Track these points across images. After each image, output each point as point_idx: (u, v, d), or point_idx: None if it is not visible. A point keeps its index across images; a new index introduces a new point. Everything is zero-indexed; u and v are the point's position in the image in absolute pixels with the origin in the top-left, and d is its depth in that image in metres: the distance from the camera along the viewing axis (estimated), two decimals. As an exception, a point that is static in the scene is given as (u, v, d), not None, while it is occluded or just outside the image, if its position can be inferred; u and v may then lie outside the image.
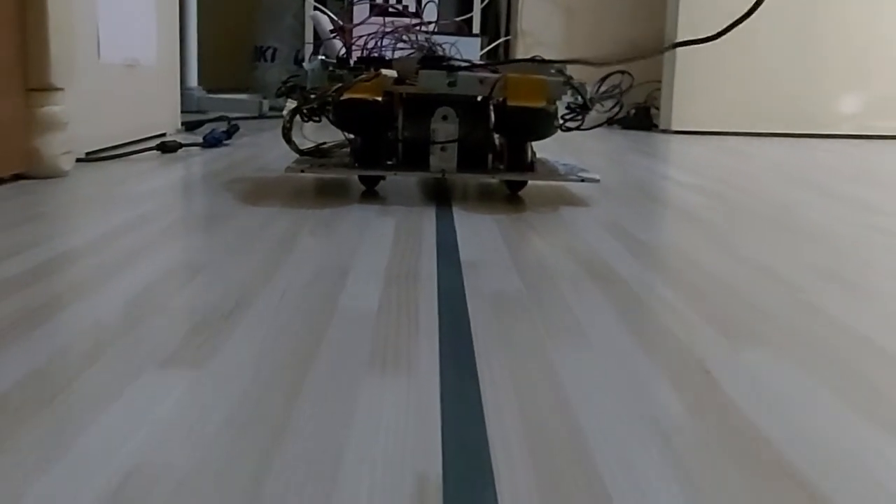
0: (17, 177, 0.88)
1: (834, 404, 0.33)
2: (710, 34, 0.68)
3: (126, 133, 1.19)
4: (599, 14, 2.22)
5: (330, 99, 0.79)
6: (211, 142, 1.24)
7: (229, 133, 1.32)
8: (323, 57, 0.88)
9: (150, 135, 1.29)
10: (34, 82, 0.87)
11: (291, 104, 0.85)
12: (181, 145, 1.16)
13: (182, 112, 1.50)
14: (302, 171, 0.82)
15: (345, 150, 0.92)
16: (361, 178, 0.90)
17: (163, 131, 1.35)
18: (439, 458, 0.27)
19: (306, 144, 0.90)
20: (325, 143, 0.93)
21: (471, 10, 2.20)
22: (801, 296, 0.50)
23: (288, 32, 2.28)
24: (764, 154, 1.51)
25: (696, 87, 2.05)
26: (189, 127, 1.45)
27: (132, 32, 1.22)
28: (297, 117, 0.85)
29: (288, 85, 0.91)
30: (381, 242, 0.62)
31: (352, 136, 0.85)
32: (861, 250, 0.64)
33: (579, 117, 0.87)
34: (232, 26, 2.43)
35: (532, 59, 0.89)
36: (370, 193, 0.87)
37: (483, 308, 0.45)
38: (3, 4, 0.84)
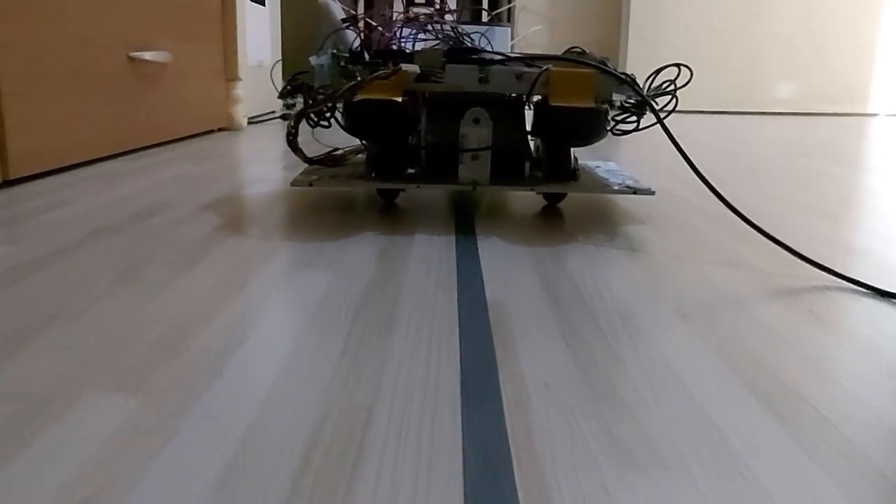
0: (221, 129, 1.47)
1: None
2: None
3: (258, 109, 1.78)
4: (575, 23, 2.74)
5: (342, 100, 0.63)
6: (310, 114, 1.82)
7: (319, 110, 1.90)
8: (334, 50, 0.71)
9: (267, 111, 1.87)
10: (229, 75, 1.46)
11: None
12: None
13: (277, 99, 2.08)
14: (310, 185, 0.70)
15: (360, 156, 0.79)
16: (379, 190, 0.77)
17: (273, 109, 1.93)
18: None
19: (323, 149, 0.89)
20: (337, 149, 0.81)
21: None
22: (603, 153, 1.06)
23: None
24: (680, 122, 2.06)
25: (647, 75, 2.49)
26: (288, 107, 2.03)
27: (259, 43, 1.81)
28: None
29: (294, 84, 0.72)
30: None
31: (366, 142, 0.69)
32: (650, 149, 1.20)
33: (634, 118, 0.70)
34: (308, 40, 2.93)
35: (570, 54, 0.69)
36: (389, 206, 0.77)
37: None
38: (214, 30, 1.43)
